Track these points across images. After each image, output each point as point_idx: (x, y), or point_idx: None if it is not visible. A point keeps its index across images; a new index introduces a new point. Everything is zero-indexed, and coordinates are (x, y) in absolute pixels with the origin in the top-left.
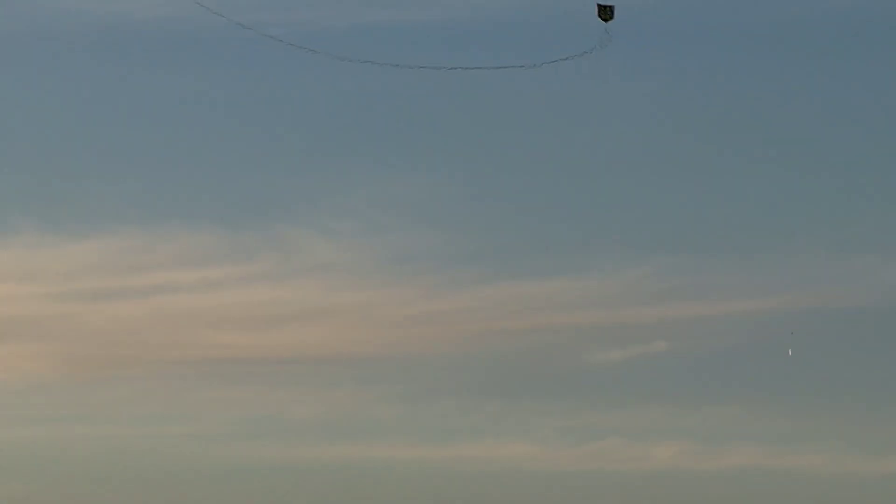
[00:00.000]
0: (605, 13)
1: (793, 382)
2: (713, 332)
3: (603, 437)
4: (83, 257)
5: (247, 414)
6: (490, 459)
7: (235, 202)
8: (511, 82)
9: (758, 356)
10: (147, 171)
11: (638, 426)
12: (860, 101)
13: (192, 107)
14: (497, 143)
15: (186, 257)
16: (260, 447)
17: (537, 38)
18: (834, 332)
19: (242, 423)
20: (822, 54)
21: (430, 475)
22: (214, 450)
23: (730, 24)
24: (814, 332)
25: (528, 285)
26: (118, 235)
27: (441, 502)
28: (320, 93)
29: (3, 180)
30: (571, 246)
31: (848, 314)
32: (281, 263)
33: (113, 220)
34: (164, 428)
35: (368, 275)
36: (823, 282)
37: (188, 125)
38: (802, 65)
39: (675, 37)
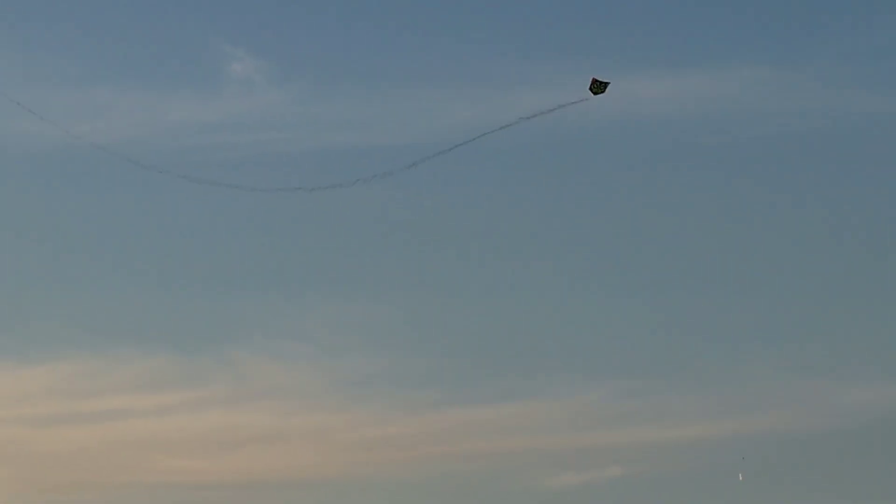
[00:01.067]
0: (599, 88)
1: None
2: (666, 457)
3: None
4: (35, 382)
5: None
6: None
7: (188, 327)
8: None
9: (710, 481)
10: (100, 296)
11: None
12: (809, 228)
13: (145, 231)
14: (449, 268)
15: (139, 382)
16: None
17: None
18: (785, 457)
19: None
20: (773, 179)
21: None
22: None
23: (672, 149)
24: (765, 456)
25: (483, 409)
26: (70, 360)
27: None
28: (273, 220)
29: None
30: (525, 370)
31: (799, 438)
32: (234, 388)
33: (65, 344)
34: None
35: (321, 399)
36: (775, 406)
37: (142, 249)
38: (751, 192)
39: (626, 159)
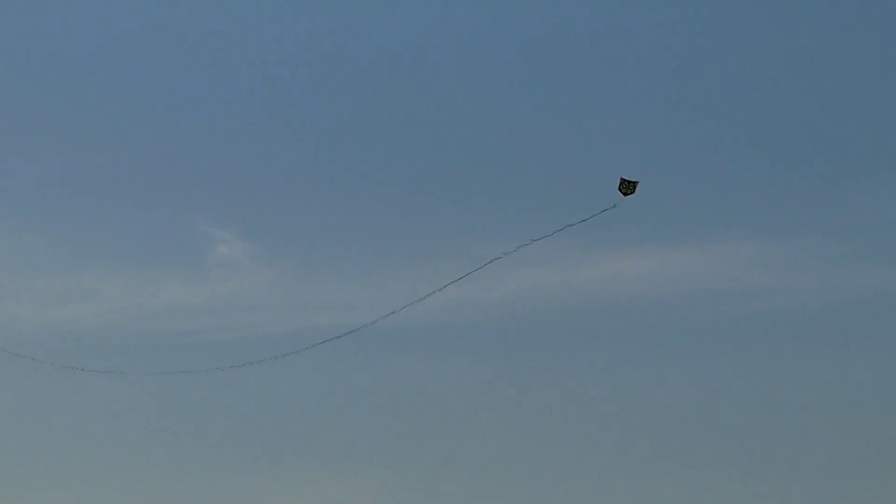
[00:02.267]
0: (628, 188)
1: None
2: None
3: None
4: None
5: None
6: None
7: None
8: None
9: None
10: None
11: None
12: (801, 404)
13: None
14: (430, 442)
15: None
16: None
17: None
18: None
19: None
20: (764, 355)
21: None
22: None
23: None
24: None
25: None
26: None
27: None
28: (246, 394)
29: None
30: None
31: None
32: None
33: None
34: None
35: None
36: None
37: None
38: (741, 369)
39: (613, 336)
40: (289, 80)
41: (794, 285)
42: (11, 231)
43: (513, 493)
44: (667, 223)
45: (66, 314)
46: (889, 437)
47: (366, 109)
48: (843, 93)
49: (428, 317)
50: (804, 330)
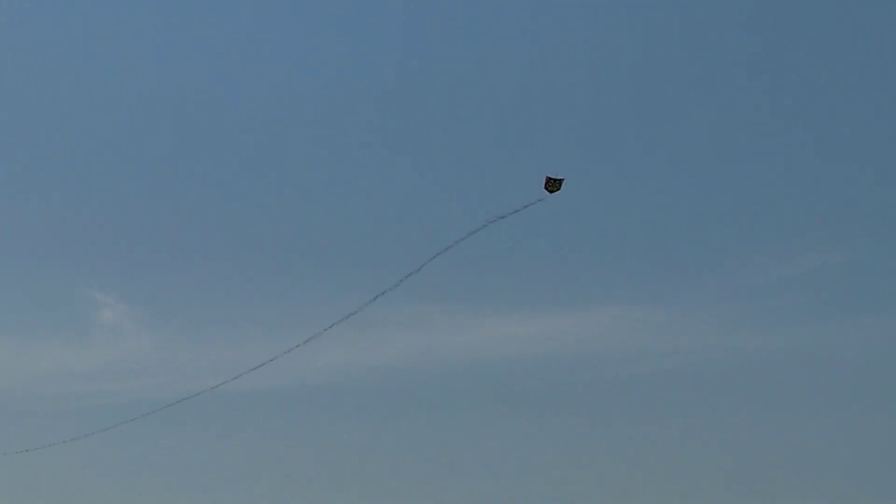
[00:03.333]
0: (554, 185)
1: None
2: None
3: None
4: None
5: None
6: None
7: None
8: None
9: None
10: None
11: None
12: (686, 465)
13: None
14: None
15: None
16: None
17: None
18: None
19: None
20: (647, 416)
21: None
22: None
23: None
24: None
25: None
26: None
27: None
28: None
29: None
30: None
31: None
32: None
33: None
34: None
35: None
36: None
37: None
38: (624, 429)
39: (497, 398)
40: (174, 147)
41: (677, 347)
42: None
43: None
44: (551, 289)
45: None
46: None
47: (241, 178)
48: (721, 160)
49: (314, 376)
50: (686, 389)
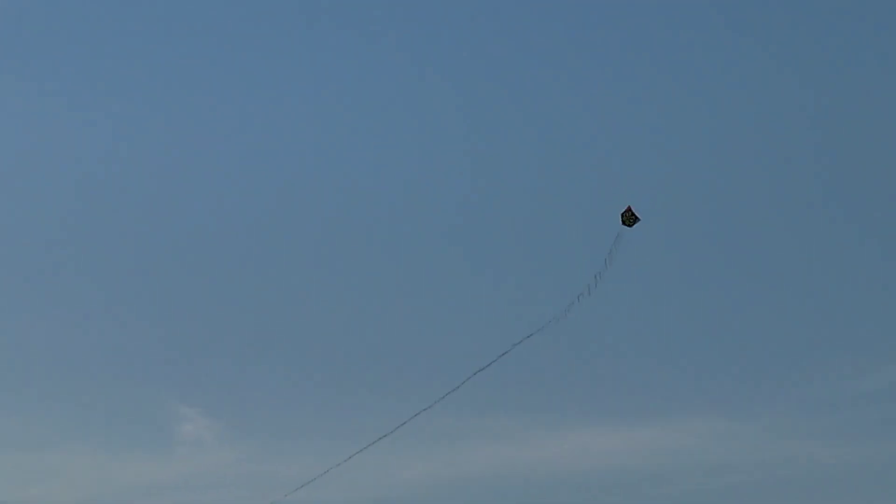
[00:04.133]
0: (630, 219)
1: None
2: None
3: None
4: None
5: None
6: None
7: None
8: None
9: None
10: None
11: None
12: None
13: None
14: None
15: None
16: None
17: None
18: None
19: None
20: None
21: None
22: None
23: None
24: None
25: None
26: None
27: None
28: None
29: None
30: None
31: None
32: None
33: None
34: None
35: None
36: None
37: None
38: None
39: None
40: (250, 262)
41: (757, 460)
42: None
43: None
44: (633, 400)
45: (31, 493)
46: None
47: (310, 292)
48: (805, 272)
49: (393, 489)
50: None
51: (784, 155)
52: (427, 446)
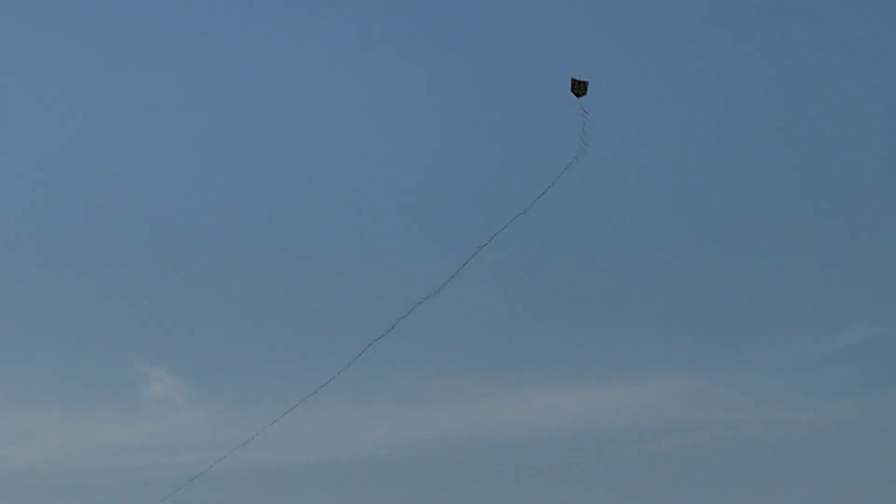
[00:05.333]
0: (580, 88)
1: None
2: None
3: None
4: None
5: None
6: None
7: None
8: None
9: None
10: None
11: None
12: None
13: None
14: None
15: None
16: None
17: None
18: None
19: None
20: (696, 488)
21: None
22: None
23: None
24: None
25: None
26: None
27: None
28: None
29: None
30: None
31: None
32: None
33: None
34: None
35: None
36: None
37: None
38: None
39: (550, 470)
40: (224, 225)
41: (727, 420)
42: None
43: None
44: (600, 359)
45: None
46: None
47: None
48: (768, 233)
49: (363, 449)
50: (739, 463)
51: (758, 123)
52: (393, 406)
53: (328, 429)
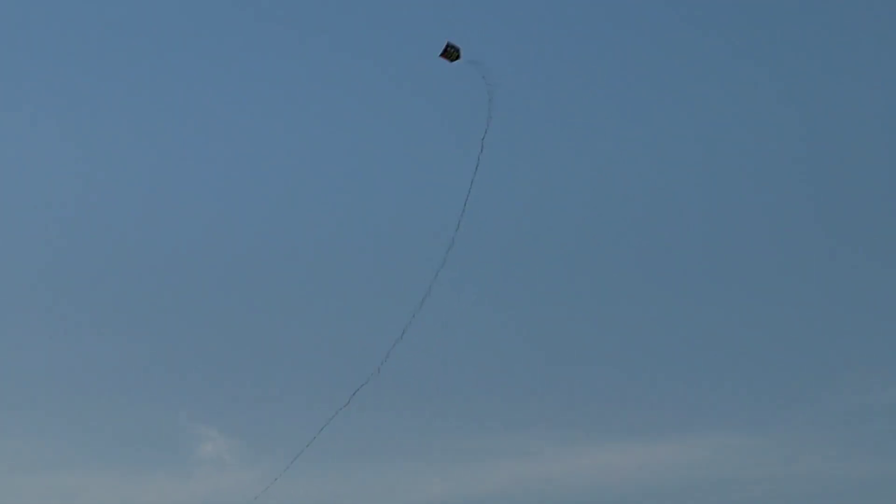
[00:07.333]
0: (452, 54)
1: None
2: None
3: None
4: None
5: None
6: None
7: None
8: None
9: None
10: None
11: None
12: None
13: None
14: None
15: None
16: None
17: None
18: None
19: None
20: None
21: None
22: None
23: None
24: None
25: None
26: None
27: None
28: None
29: None
30: None
31: None
32: None
33: None
34: None
35: None
36: None
37: None
38: None
39: None
40: (274, 284)
41: (772, 475)
42: None
43: None
44: (650, 416)
45: None
46: None
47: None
48: (807, 286)
49: None
50: None
51: (793, 168)
52: (446, 464)
53: (380, 487)
